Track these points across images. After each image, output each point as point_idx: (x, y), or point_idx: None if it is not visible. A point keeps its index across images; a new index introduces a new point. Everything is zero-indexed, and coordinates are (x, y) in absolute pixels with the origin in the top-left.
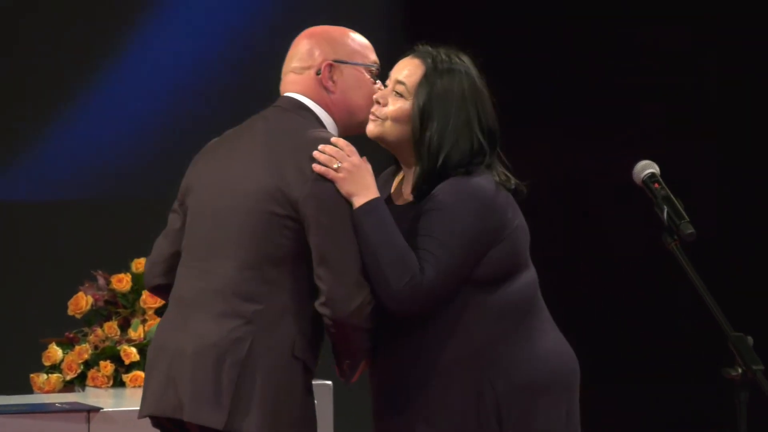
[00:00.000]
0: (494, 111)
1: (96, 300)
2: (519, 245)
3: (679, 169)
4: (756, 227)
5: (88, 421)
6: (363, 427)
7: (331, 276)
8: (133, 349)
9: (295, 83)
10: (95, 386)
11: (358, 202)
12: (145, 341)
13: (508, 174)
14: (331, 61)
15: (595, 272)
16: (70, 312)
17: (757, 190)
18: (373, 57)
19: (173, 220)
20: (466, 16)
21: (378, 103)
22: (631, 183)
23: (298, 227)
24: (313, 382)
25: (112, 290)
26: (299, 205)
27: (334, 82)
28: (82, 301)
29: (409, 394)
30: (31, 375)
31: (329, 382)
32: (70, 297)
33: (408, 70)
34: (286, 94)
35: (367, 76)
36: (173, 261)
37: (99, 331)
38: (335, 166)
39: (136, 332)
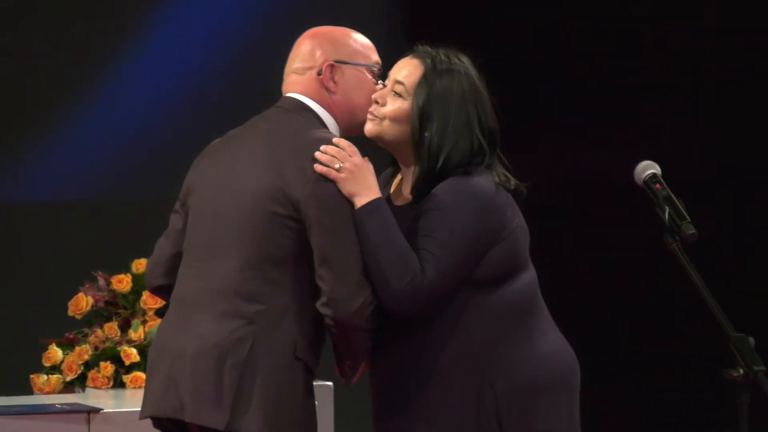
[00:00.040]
0: (494, 111)
1: (96, 301)
2: (519, 245)
3: (679, 169)
4: (757, 227)
5: (89, 422)
6: (363, 428)
7: (332, 276)
8: (134, 350)
9: (297, 84)
10: (95, 387)
11: (359, 202)
12: (145, 342)
13: (508, 174)
14: (332, 62)
15: (595, 272)
16: (70, 313)
17: (757, 190)
18: (375, 57)
19: (175, 220)
20: (467, 16)
21: (377, 102)
22: (631, 183)
23: (299, 227)
24: (314, 383)
25: (113, 291)
26: (301, 206)
27: (335, 82)
28: (82, 302)
29: (409, 395)
30: (31, 376)
31: (330, 383)
32: (71, 297)
33: (407, 70)
34: (288, 94)
35: (369, 76)
36: (175, 261)
37: (99, 331)
38: (337, 166)
39: (137, 333)
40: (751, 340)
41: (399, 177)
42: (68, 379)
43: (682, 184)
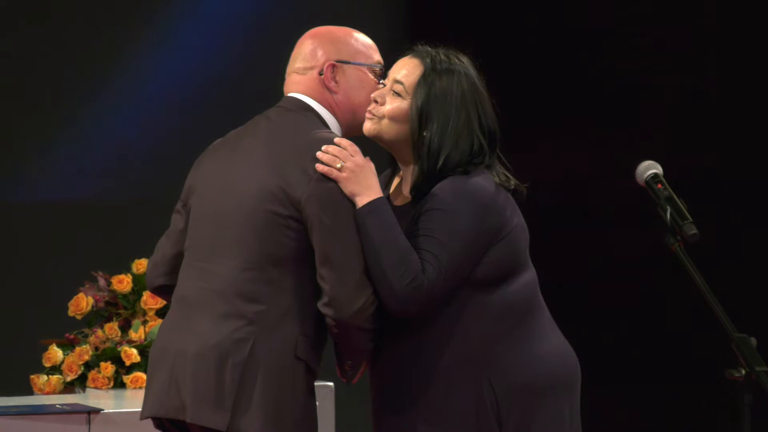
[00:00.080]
0: (494, 111)
1: (96, 301)
2: (518, 245)
3: (679, 170)
4: (758, 227)
5: (89, 422)
6: (364, 429)
7: (333, 276)
8: (134, 351)
9: (299, 83)
10: (96, 387)
11: (361, 201)
12: (145, 342)
13: (508, 174)
14: (333, 62)
15: (596, 272)
16: (70, 313)
17: (758, 190)
18: (376, 57)
19: (176, 220)
20: (467, 16)
21: (375, 101)
22: (632, 183)
23: (300, 227)
24: (315, 384)
25: (113, 291)
26: (302, 205)
27: (336, 82)
28: (82, 302)
29: (409, 395)
30: (32, 376)
31: (331, 384)
32: (71, 298)
33: (406, 69)
34: (290, 94)
35: (371, 76)
36: (176, 262)
37: (99, 332)
38: (338, 165)
39: (137, 333)
40: (753, 341)
41: (398, 177)
42: (68, 379)
43: (683, 185)
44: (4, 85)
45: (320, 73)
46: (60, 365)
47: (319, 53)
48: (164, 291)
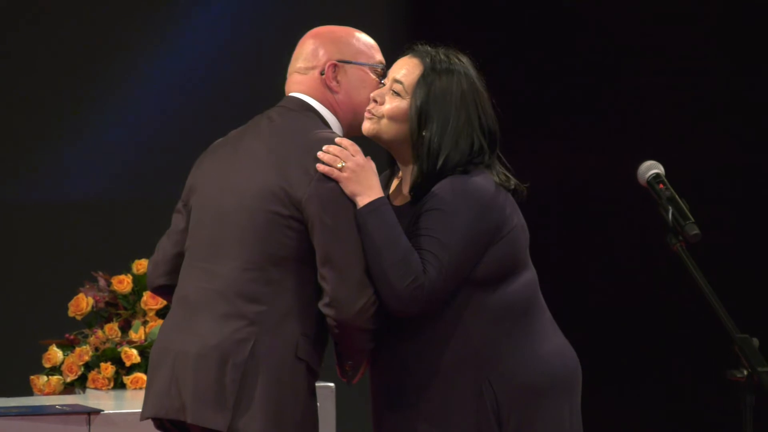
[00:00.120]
0: (494, 111)
1: (97, 301)
2: (518, 245)
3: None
4: (758, 227)
5: (89, 423)
6: (365, 430)
7: (335, 276)
8: (134, 351)
9: (300, 83)
10: (96, 388)
11: (362, 201)
12: (146, 343)
13: (508, 174)
14: (335, 61)
15: (596, 272)
16: (70, 313)
17: (759, 190)
18: (378, 57)
19: (177, 220)
20: (467, 16)
21: (375, 101)
22: (633, 183)
23: (302, 228)
24: (316, 384)
25: (113, 292)
26: (303, 205)
27: (338, 82)
28: (82, 303)
29: (408, 395)
30: (31, 377)
31: (332, 384)
32: (71, 298)
33: (406, 69)
34: (291, 94)
35: (372, 76)
36: (176, 262)
37: (99, 332)
38: (339, 165)
39: (137, 334)
40: (755, 341)
41: (398, 177)
42: (68, 380)
43: (683, 185)
44: (3, 85)
45: (322, 73)
46: (60, 366)
47: (321, 53)
48: (165, 291)
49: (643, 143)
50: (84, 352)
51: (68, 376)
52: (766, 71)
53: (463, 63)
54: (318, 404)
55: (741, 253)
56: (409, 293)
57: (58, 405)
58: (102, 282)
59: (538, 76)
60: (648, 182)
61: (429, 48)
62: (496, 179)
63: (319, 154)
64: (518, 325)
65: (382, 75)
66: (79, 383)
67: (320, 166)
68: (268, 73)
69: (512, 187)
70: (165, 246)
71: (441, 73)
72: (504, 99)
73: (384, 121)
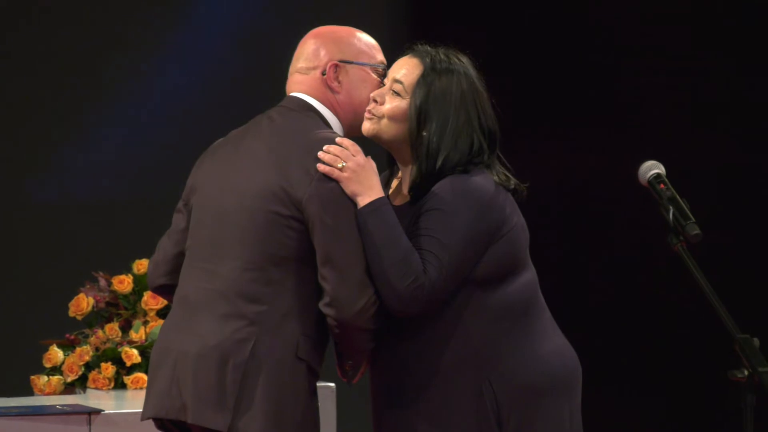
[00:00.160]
0: (493, 111)
1: (97, 301)
2: (518, 244)
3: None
4: (759, 227)
5: (89, 423)
6: (366, 430)
7: (335, 276)
8: (135, 351)
9: (301, 83)
10: (96, 388)
11: (362, 201)
12: (146, 343)
13: (508, 174)
14: (336, 62)
15: (597, 273)
16: (71, 313)
17: (759, 190)
18: (379, 57)
19: (178, 220)
20: (467, 16)
21: (375, 101)
22: (633, 183)
23: (302, 227)
24: (317, 384)
25: (114, 291)
26: (303, 205)
27: (339, 82)
28: (83, 303)
29: (408, 394)
30: (32, 377)
31: (332, 384)
32: (71, 298)
33: (406, 69)
34: (292, 94)
35: (374, 76)
36: (177, 261)
37: (100, 332)
38: (340, 165)
39: (138, 334)
40: (756, 342)
41: (398, 176)
42: (69, 380)
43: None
44: (4, 86)
45: (323, 73)
46: (60, 366)
47: (322, 53)
48: (165, 291)
49: (643, 143)
50: (84, 352)
51: (69, 376)
52: (766, 71)
53: (463, 63)
54: (319, 404)
55: (741, 253)
56: (410, 293)
57: (59, 405)
58: (102, 282)
59: (538, 75)
60: (649, 182)
61: (429, 48)
62: (496, 179)
63: (320, 154)
64: (518, 325)
65: (383, 75)
66: (80, 383)
67: (321, 166)
68: (268, 73)
69: (512, 186)
70: (165, 246)
71: (441, 73)
72: (504, 99)
73: (384, 121)
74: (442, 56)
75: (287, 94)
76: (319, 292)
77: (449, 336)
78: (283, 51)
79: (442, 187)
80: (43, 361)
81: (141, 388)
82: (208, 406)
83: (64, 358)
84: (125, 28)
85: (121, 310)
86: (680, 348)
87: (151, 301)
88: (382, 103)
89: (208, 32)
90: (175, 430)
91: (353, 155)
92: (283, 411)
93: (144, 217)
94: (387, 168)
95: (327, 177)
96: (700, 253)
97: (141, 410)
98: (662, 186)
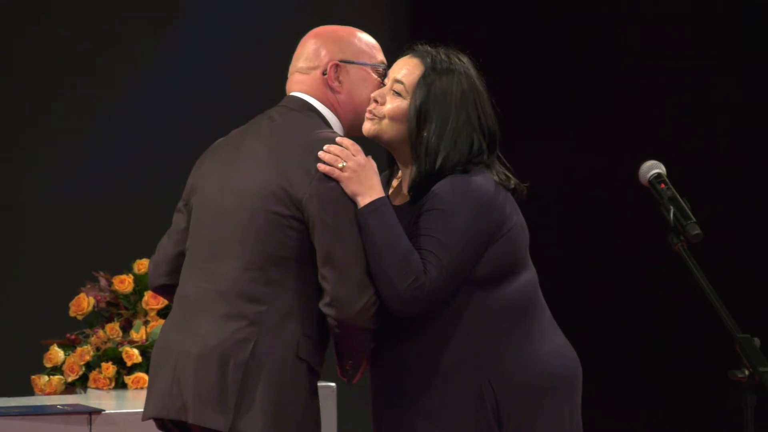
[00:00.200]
0: (493, 111)
1: (98, 301)
2: (518, 244)
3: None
4: (759, 227)
5: (90, 423)
6: (366, 430)
7: (335, 276)
8: (135, 351)
9: (301, 83)
10: (97, 388)
11: (362, 201)
12: (147, 343)
13: (508, 174)
14: (337, 62)
15: (597, 272)
16: (71, 313)
17: (759, 190)
18: (380, 57)
19: (178, 220)
20: (467, 16)
21: (376, 101)
22: (633, 183)
23: (302, 227)
24: (317, 384)
25: (114, 291)
26: (303, 205)
27: (340, 82)
28: (83, 303)
29: (409, 394)
30: (32, 377)
31: (333, 384)
32: (72, 298)
33: (406, 69)
34: (292, 93)
35: (374, 76)
36: (177, 261)
37: (101, 332)
38: (340, 165)
39: (138, 334)
40: (757, 341)
41: (398, 176)
42: (69, 380)
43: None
44: (4, 87)
45: (324, 73)
46: (61, 366)
47: (323, 53)
48: (166, 290)
49: (643, 143)
50: (85, 352)
51: (69, 375)
52: (766, 71)
53: (464, 63)
54: (319, 404)
55: (741, 253)
56: (410, 293)
57: (60, 405)
58: (103, 282)
59: (538, 76)
60: (649, 182)
61: (429, 48)
62: (496, 178)
63: (320, 153)
64: (518, 324)
65: (384, 75)
66: (81, 383)
67: (321, 166)
68: (268, 73)
69: (512, 186)
70: (166, 246)
71: (442, 73)
72: (504, 99)
73: (385, 122)
74: (443, 56)
75: (287, 94)
76: (319, 292)
77: (449, 336)
78: (284, 51)
79: (442, 186)
80: (44, 361)
81: (142, 388)
82: (209, 406)
83: (65, 358)
84: (125, 28)
85: (121, 309)
86: (680, 348)
87: (152, 301)
88: (383, 104)
89: (208, 32)
90: (176, 430)
91: (354, 155)
92: (284, 411)
93: (144, 217)
94: (387, 168)
95: (327, 177)
96: (700, 253)
97: (141, 410)
98: (663, 186)
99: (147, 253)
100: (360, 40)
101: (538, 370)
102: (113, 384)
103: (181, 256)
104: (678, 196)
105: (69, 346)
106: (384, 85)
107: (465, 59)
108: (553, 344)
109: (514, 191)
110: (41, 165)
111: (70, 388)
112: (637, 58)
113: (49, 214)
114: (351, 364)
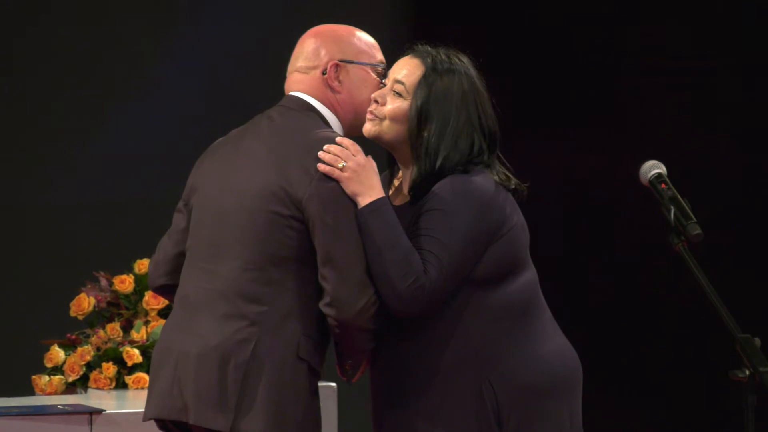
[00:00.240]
0: (494, 111)
1: (98, 301)
2: (518, 244)
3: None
4: (759, 227)
5: (91, 423)
6: (367, 430)
7: (335, 276)
8: (136, 351)
9: (301, 82)
10: (97, 388)
11: (363, 201)
12: (147, 343)
13: (508, 174)
14: (337, 61)
15: (597, 272)
16: (72, 313)
17: (759, 190)
18: (379, 56)
19: (178, 220)
20: (468, 16)
21: (376, 102)
22: (633, 183)
23: (302, 227)
24: (318, 384)
25: (115, 291)
26: (303, 205)
27: (340, 82)
28: (84, 303)
29: (408, 394)
30: (33, 377)
31: (333, 384)
32: (72, 298)
33: (407, 69)
34: (291, 93)
35: (374, 75)
36: (178, 261)
37: (101, 332)
38: (340, 165)
39: (139, 334)
40: (757, 341)
41: (398, 176)
42: (70, 380)
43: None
44: (4, 87)
45: (323, 73)
46: (62, 366)
47: (322, 52)
48: (166, 290)
49: (643, 143)
50: (86, 352)
51: (70, 375)
52: (766, 71)
53: (464, 63)
54: (320, 404)
55: (741, 253)
56: (411, 293)
57: (60, 405)
58: (104, 282)
59: (538, 75)
60: (650, 182)
61: (429, 48)
62: (496, 179)
63: (320, 153)
64: (518, 324)
65: (383, 75)
66: (81, 383)
67: (321, 166)
68: (268, 73)
69: (512, 186)
70: (166, 246)
71: (442, 73)
72: (504, 99)
73: (386, 122)
74: (443, 56)
75: (286, 94)
76: (319, 292)
77: (449, 336)
78: (284, 51)
79: (442, 187)
80: (45, 361)
81: (142, 388)
82: (210, 406)
83: (66, 358)
84: (125, 28)
85: (122, 309)
86: (681, 348)
87: (153, 301)
88: (384, 104)
89: (207, 32)
90: (176, 430)
91: (354, 155)
92: (285, 411)
93: (145, 217)
94: (387, 168)
95: (327, 177)
96: (700, 253)
97: (142, 410)
98: (663, 186)
99: (147, 253)
100: (359, 39)
101: (539, 370)
102: (114, 384)
103: (181, 256)
104: (678, 196)
105: (69, 346)
106: (384, 85)
107: (465, 59)
108: (553, 344)
109: (514, 191)
110: (41, 165)
111: (70, 388)
112: (637, 58)
113: (50, 214)
114: (351, 364)
